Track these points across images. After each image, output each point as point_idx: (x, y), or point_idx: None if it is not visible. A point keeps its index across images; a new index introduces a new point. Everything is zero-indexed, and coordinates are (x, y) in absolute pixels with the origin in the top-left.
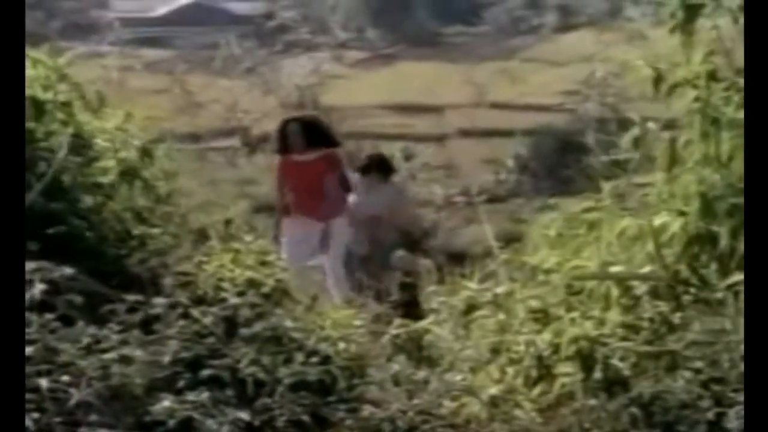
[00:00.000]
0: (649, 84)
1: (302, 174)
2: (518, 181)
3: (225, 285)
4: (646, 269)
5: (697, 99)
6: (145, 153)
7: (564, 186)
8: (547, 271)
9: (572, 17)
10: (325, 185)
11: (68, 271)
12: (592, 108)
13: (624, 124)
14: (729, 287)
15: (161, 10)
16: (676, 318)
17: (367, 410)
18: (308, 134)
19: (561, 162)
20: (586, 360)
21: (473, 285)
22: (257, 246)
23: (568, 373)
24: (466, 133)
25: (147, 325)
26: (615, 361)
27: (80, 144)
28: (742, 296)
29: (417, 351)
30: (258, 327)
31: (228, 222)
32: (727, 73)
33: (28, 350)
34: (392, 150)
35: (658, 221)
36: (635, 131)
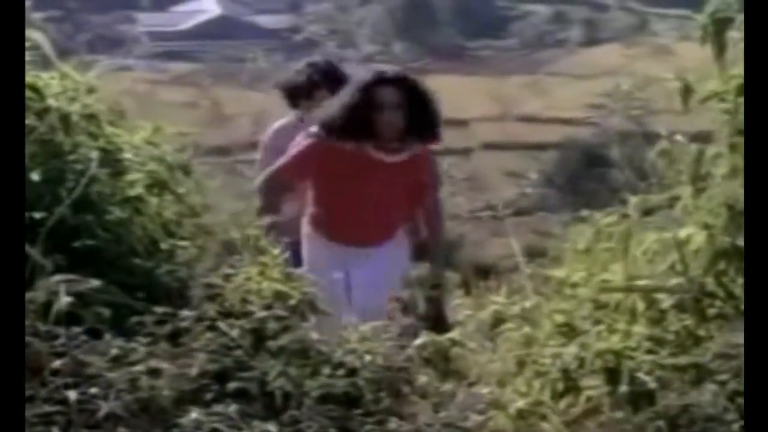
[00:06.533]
0: (677, 97)
1: (369, 182)
2: (543, 194)
3: (252, 298)
4: (673, 282)
5: (726, 112)
6: (174, 166)
7: (588, 199)
8: (574, 285)
9: (598, 31)
10: (396, 205)
11: (96, 283)
12: (617, 122)
13: (649, 138)
14: None
15: (188, 24)
16: (702, 331)
17: (393, 423)
18: (410, 115)
19: (586, 175)
20: (612, 373)
21: (500, 299)
22: (284, 259)
23: (594, 386)
24: (491, 146)
25: (175, 338)
26: (641, 375)
27: (109, 157)
28: None
29: (444, 364)
30: (285, 339)
31: (254, 237)
32: None
33: (56, 363)
34: None
35: (683, 234)
36: (663, 144)
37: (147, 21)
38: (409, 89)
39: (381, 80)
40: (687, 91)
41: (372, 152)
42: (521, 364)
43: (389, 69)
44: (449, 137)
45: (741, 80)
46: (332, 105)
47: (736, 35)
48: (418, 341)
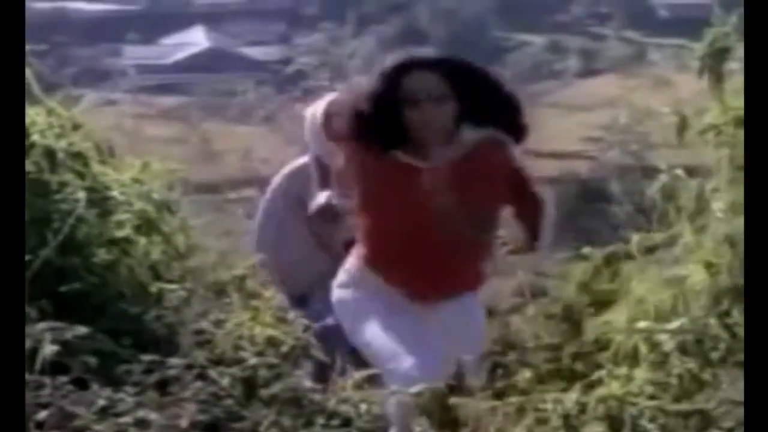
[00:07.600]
0: (674, 130)
1: (416, 198)
2: None
3: (243, 344)
4: (674, 324)
5: (724, 145)
6: (163, 206)
7: (588, 236)
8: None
9: (595, 62)
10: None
11: (82, 330)
12: (616, 155)
13: (648, 172)
14: None
15: (176, 57)
16: (706, 375)
17: None
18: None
19: (584, 211)
20: (614, 420)
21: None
22: (277, 301)
23: None
24: None
25: (163, 387)
26: (644, 422)
27: (96, 197)
28: None
29: (441, 412)
30: (277, 388)
31: (243, 278)
32: None
33: (41, 415)
34: None
35: (685, 273)
36: (662, 179)
37: (134, 54)
38: (460, 74)
39: (413, 65)
40: (683, 125)
41: (407, 159)
42: (521, 410)
43: (428, 52)
44: None
45: (740, 112)
46: (344, 103)
47: (734, 66)
48: (415, 388)
